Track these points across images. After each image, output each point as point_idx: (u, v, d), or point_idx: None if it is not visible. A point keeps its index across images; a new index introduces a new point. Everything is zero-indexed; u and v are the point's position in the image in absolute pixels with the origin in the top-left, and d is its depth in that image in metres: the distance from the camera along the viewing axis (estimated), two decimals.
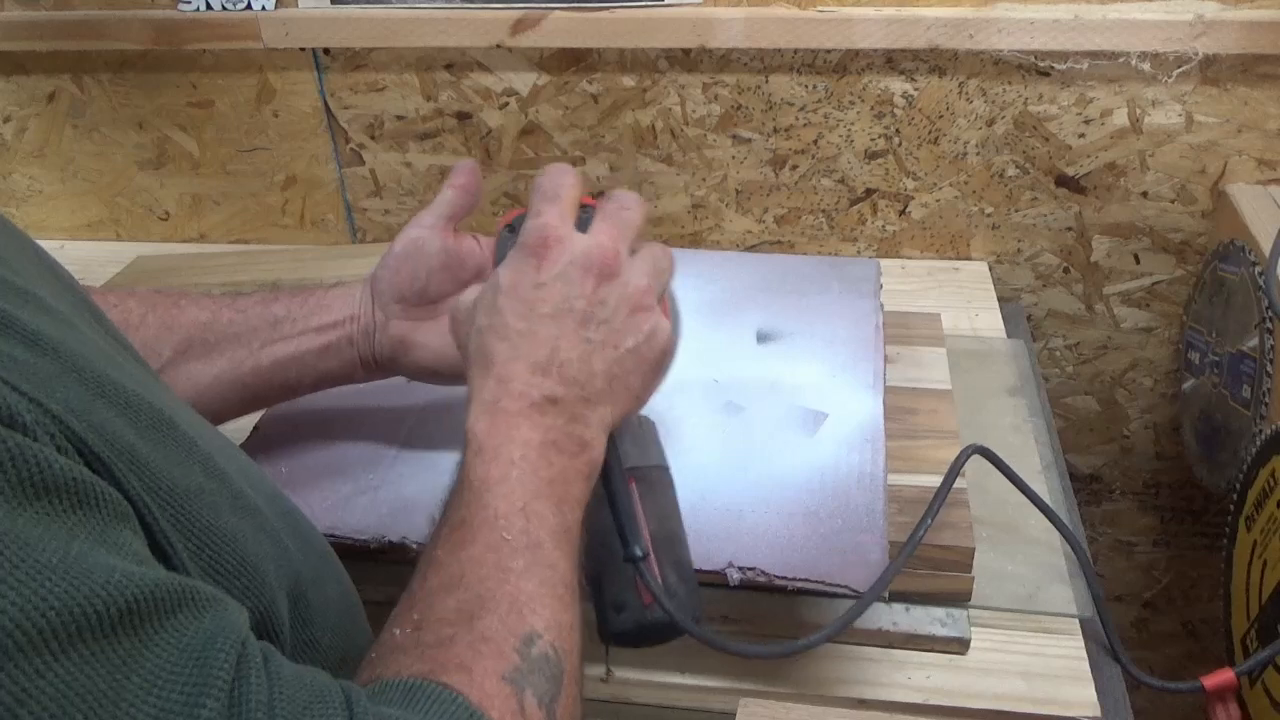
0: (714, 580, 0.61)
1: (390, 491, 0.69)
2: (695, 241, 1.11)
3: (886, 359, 0.81)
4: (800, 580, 0.61)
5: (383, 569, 0.65)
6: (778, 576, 0.61)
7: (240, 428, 0.76)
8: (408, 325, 0.66)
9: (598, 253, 0.52)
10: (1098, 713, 0.62)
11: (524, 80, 1.04)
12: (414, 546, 0.64)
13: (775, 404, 0.75)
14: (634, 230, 0.55)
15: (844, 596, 0.61)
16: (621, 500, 0.53)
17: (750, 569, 0.61)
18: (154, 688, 0.30)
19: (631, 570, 0.52)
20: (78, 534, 0.30)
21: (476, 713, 0.38)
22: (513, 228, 0.56)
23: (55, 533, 0.30)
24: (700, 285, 0.88)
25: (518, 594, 0.43)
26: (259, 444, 0.74)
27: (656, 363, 0.54)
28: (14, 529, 0.28)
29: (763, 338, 0.82)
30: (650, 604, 0.52)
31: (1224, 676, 0.67)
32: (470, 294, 0.55)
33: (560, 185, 0.55)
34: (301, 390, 0.68)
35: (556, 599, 0.45)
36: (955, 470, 0.68)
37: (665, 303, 0.57)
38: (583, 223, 0.54)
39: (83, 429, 0.33)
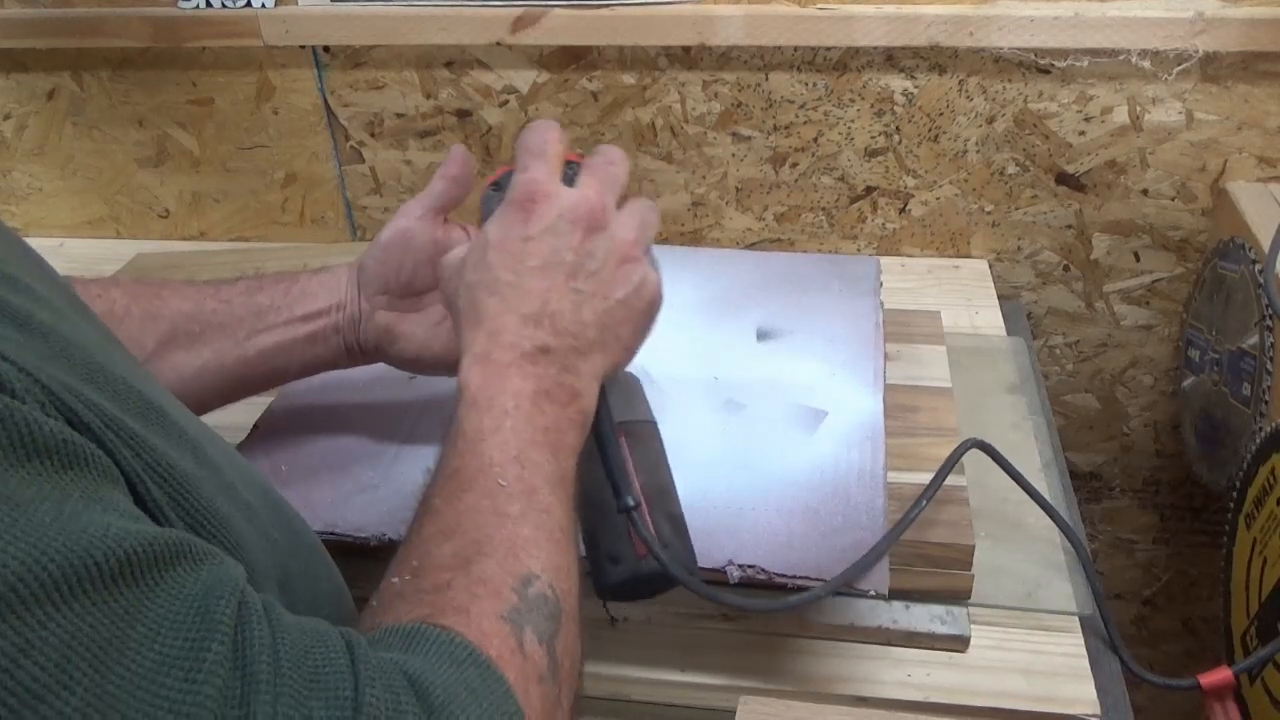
0: (715, 579, 0.61)
1: (390, 489, 0.69)
2: (695, 239, 1.11)
3: (886, 356, 0.81)
4: (800, 578, 0.61)
5: (382, 566, 0.65)
6: (778, 574, 0.61)
7: (239, 425, 0.76)
8: (393, 316, 0.66)
9: (585, 206, 0.53)
10: (1097, 710, 0.62)
11: (524, 78, 1.04)
12: None
13: (775, 402, 0.75)
14: (619, 184, 0.56)
15: (852, 593, 0.61)
16: (612, 452, 0.54)
17: (750, 566, 0.61)
18: (158, 635, 0.30)
19: (624, 522, 0.52)
20: (71, 493, 0.30)
21: (475, 651, 0.39)
22: (499, 185, 0.57)
23: (48, 493, 0.30)
24: (700, 283, 0.88)
25: (514, 538, 0.44)
26: (259, 442, 0.74)
27: (645, 313, 0.55)
28: (5, 489, 0.29)
29: (763, 335, 0.82)
30: (645, 555, 0.52)
31: (1221, 675, 0.67)
32: (459, 252, 0.55)
33: (545, 141, 0.55)
34: (288, 377, 0.68)
35: (553, 542, 0.45)
36: (954, 459, 0.68)
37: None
38: (569, 179, 0.55)
39: (72, 401, 0.33)
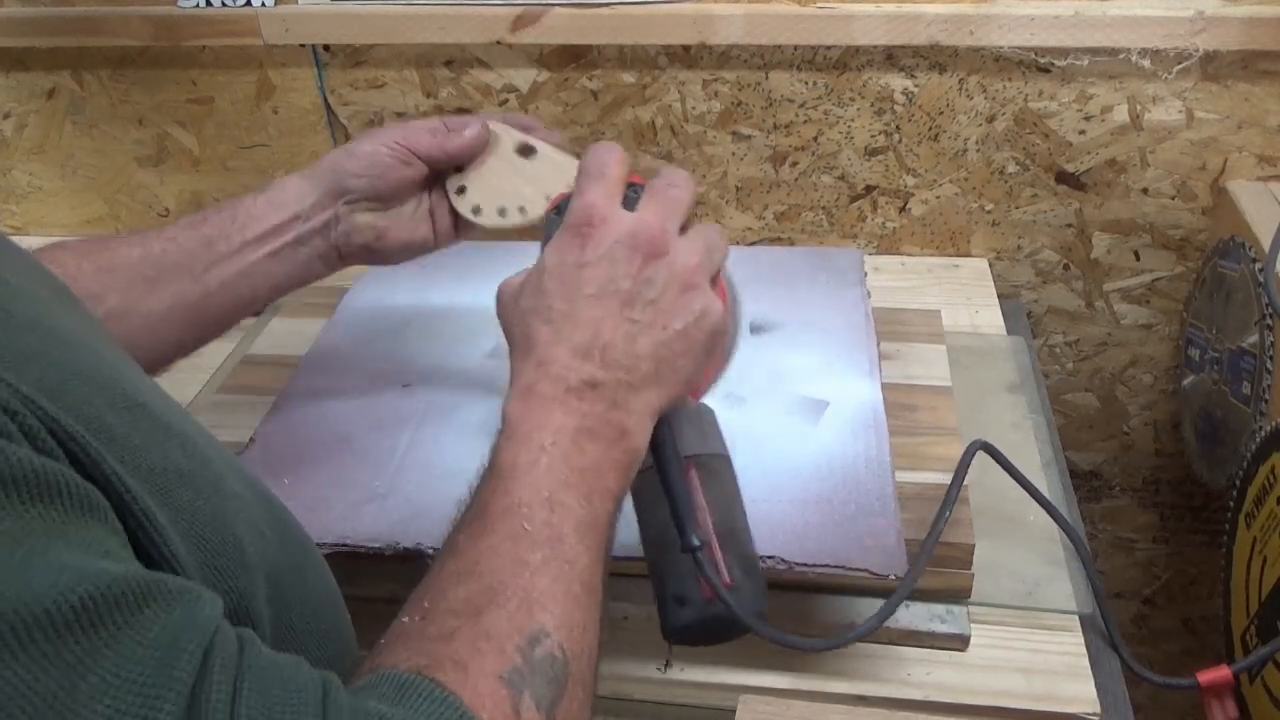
0: None
1: (399, 498, 0.69)
2: None
3: (881, 354, 0.81)
4: (821, 566, 0.61)
5: (380, 565, 0.65)
6: (798, 564, 0.62)
7: (235, 433, 0.76)
8: (375, 215, 0.67)
9: (644, 231, 0.51)
10: (1097, 709, 0.62)
11: (524, 77, 1.04)
12: (429, 552, 0.64)
13: (776, 394, 0.76)
14: (682, 208, 0.53)
15: (868, 587, 0.61)
16: (678, 487, 0.51)
17: (770, 558, 0.62)
18: (109, 690, 0.29)
19: (691, 562, 0.50)
20: (32, 530, 0.29)
21: (466, 713, 0.37)
22: (559, 210, 0.55)
23: (6, 530, 0.29)
24: None
25: (530, 589, 0.42)
26: (256, 455, 0.73)
27: (707, 344, 0.52)
28: None
29: (756, 329, 0.83)
30: (712, 598, 0.49)
31: (1220, 673, 0.67)
32: (516, 279, 0.53)
33: (606, 163, 0.53)
34: (258, 303, 0.67)
35: (571, 597, 0.44)
36: (964, 467, 0.68)
37: (721, 284, 0.55)
38: (630, 202, 0.53)
39: (56, 410, 0.32)
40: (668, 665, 0.66)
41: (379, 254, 0.68)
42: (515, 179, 0.69)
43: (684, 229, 0.53)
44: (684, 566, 0.50)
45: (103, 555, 0.31)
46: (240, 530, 0.40)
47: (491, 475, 0.46)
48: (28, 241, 0.50)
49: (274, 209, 0.66)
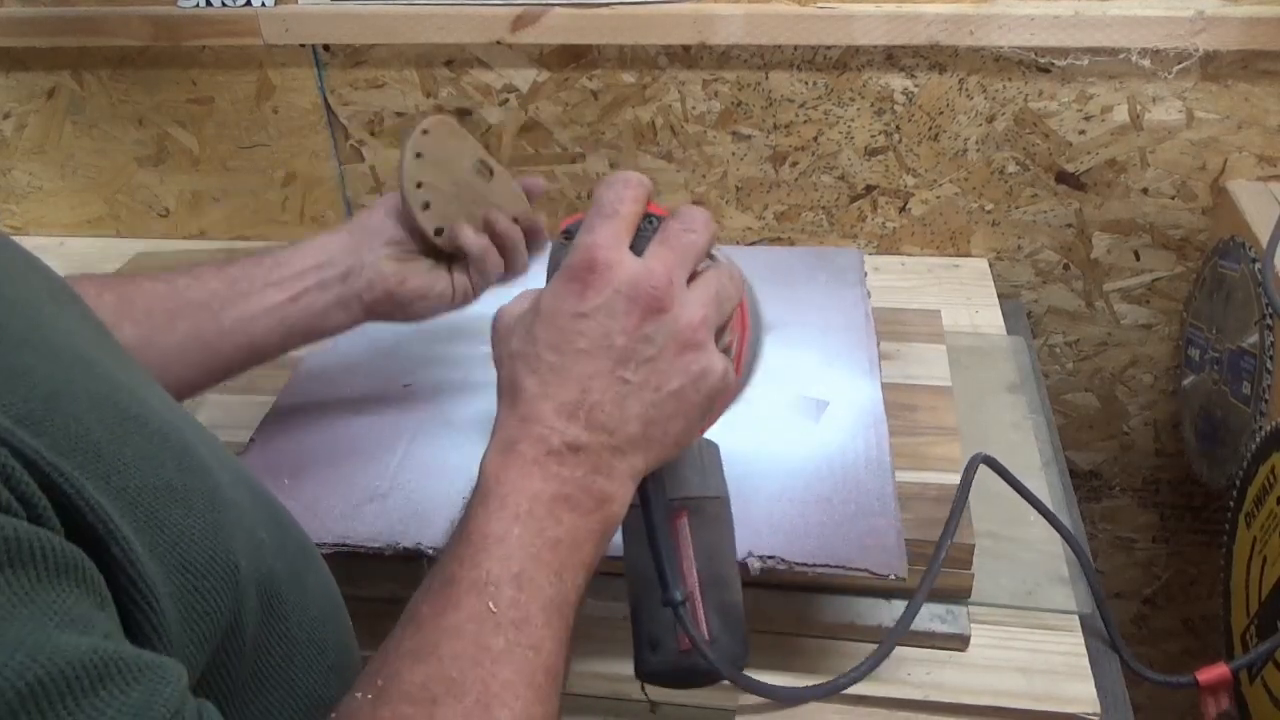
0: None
1: (400, 497, 0.68)
2: None
3: (881, 354, 0.81)
4: (821, 566, 0.61)
5: (380, 565, 0.65)
6: (798, 564, 0.62)
7: (236, 433, 0.76)
8: (399, 263, 0.68)
9: (647, 282, 0.47)
10: (1097, 709, 0.62)
11: (524, 77, 1.04)
12: (429, 552, 0.64)
13: (776, 394, 0.75)
14: (695, 255, 0.49)
15: (868, 586, 0.61)
16: (663, 539, 0.50)
17: (770, 557, 0.62)
18: None
19: (670, 613, 0.49)
20: None
21: None
22: (569, 234, 0.51)
23: None
24: None
25: (490, 681, 0.41)
26: (257, 454, 0.73)
27: (703, 406, 0.49)
28: None
29: None
30: (688, 649, 0.49)
31: (1218, 671, 0.67)
32: (513, 308, 0.51)
33: (620, 199, 0.49)
34: (270, 349, 0.66)
35: (533, 689, 0.42)
36: (966, 483, 0.69)
37: (744, 310, 0.52)
38: (643, 237, 0.49)
39: (37, 442, 0.32)
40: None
41: (400, 302, 0.69)
42: (474, 202, 0.70)
43: (698, 273, 0.50)
44: (662, 613, 0.49)
45: (70, 624, 0.30)
46: (235, 544, 0.39)
47: (462, 543, 0.45)
48: (29, 242, 0.50)
49: (301, 255, 0.66)
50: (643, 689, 0.63)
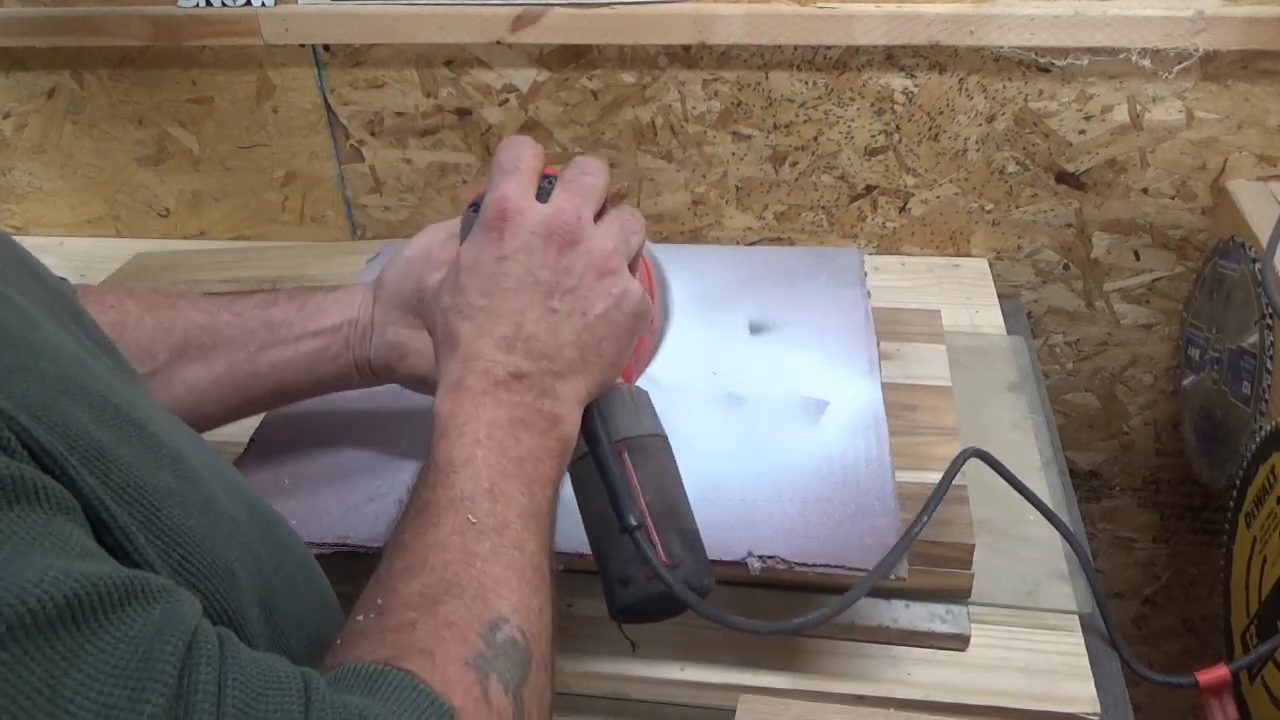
0: (735, 574, 0.62)
1: (399, 498, 0.68)
2: (695, 238, 1.11)
3: (881, 354, 0.81)
4: (821, 566, 0.61)
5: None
6: (798, 564, 0.62)
7: (237, 433, 0.76)
8: (406, 333, 0.62)
9: (558, 220, 0.52)
10: (1097, 709, 0.62)
11: (524, 77, 1.04)
12: None
13: (776, 394, 0.75)
14: (596, 195, 0.54)
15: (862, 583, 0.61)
16: (611, 470, 0.52)
17: (770, 557, 0.62)
18: (95, 683, 0.29)
19: (632, 543, 0.50)
20: (15, 531, 0.30)
21: (438, 700, 0.37)
22: (476, 206, 0.55)
23: None
24: (689, 279, 0.89)
25: (483, 578, 0.43)
26: (257, 455, 0.73)
27: (630, 326, 0.53)
28: None
29: (756, 329, 0.83)
30: (654, 577, 0.50)
31: (1218, 672, 0.67)
32: (437, 276, 0.54)
33: (518, 157, 0.54)
34: (298, 396, 0.66)
35: (524, 582, 0.44)
36: (953, 473, 0.68)
37: (646, 263, 0.56)
38: (545, 193, 0.54)
39: (34, 425, 0.33)
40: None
41: (401, 373, 0.63)
42: None
43: (601, 214, 0.54)
44: (625, 548, 0.51)
45: (82, 555, 0.32)
46: (232, 555, 0.40)
47: (431, 471, 0.47)
48: (29, 242, 0.50)
49: (338, 308, 0.64)
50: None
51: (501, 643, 0.41)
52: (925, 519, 0.64)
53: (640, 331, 0.54)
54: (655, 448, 0.54)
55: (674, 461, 0.55)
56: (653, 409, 0.56)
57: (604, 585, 0.52)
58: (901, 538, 0.63)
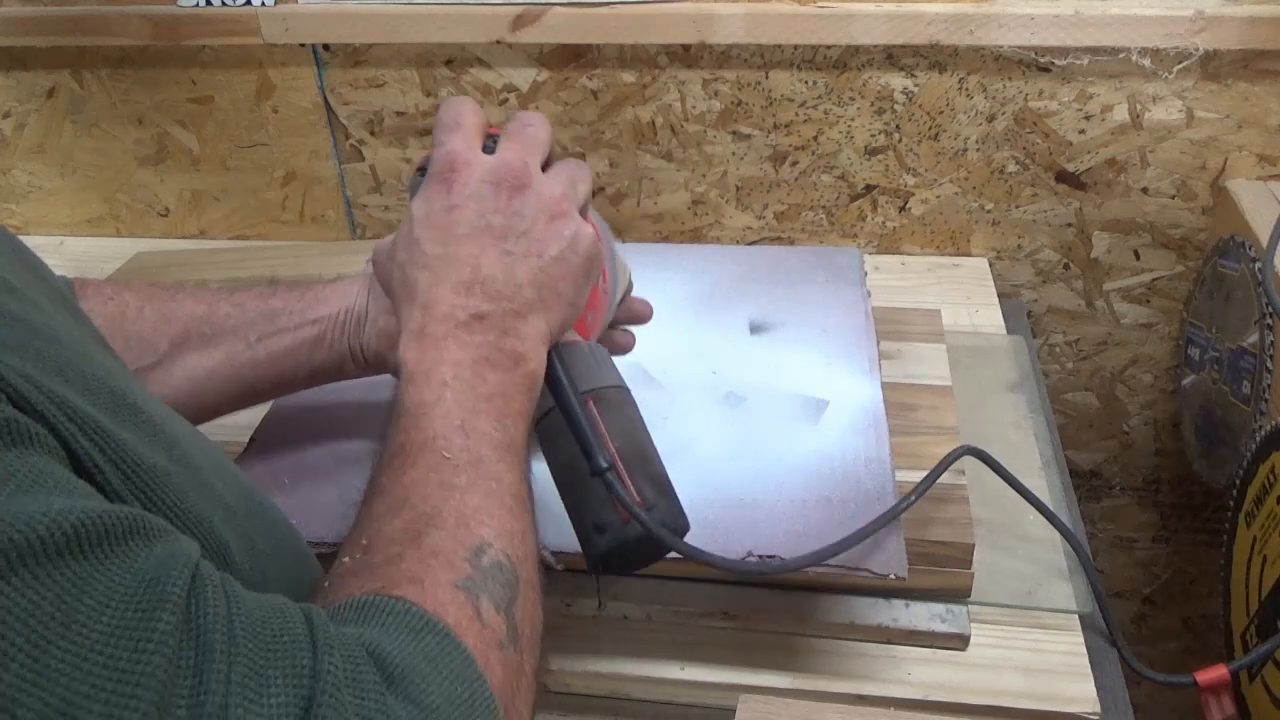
0: (725, 577, 0.62)
1: None
2: (695, 237, 1.11)
3: (880, 352, 0.81)
4: (821, 566, 0.61)
5: None
6: (798, 564, 0.61)
7: (237, 432, 0.76)
8: (396, 321, 0.64)
9: (506, 168, 0.53)
10: (1097, 709, 0.62)
11: (524, 76, 1.04)
12: None
13: (776, 394, 0.76)
14: (541, 145, 0.55)
15: (868, 586, 0.61)
16: (577, 416, 0.52)
17: (770, 557, 0.62)
18: (106, 608, 0.29)
19: (605, 489, 0.50)
20: (16, 470, 0.30)
21: (431, 620, 0.38)
22: (423, 170, 0.56)
23: None
24: (688, 279, 0.89)
25: (464, 508, 0.43)
26: (258, 453, 0.73)
27: (584, 267, 0.54)
28: None
29: (755, 329, 0.83)
30: (629, 520, 0.50)
31: (1217, 672, 0.67)
32: (389, 238, 0.55)
33: (460, 114, 0.55)
34: (297, 385, 0.67)
35: (504, 509, 0.45)
36: (942, 468, 0.68)
37: (591, 220, 0.57)
38: (489, 150, 0.55)
39: (29, 390, 0.33)
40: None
41: (391, 367, 0.64)
42: None
43: (548, 166, 0.55)
44: (598, 495, 0.51)
45: (84, 495, 0.32)
46: (228, 539, 0.40)
47: (402, 416, 0.47)
48: (29, 242, 0.50)
49: (336, 297, 0.65)
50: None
51: (488, 566, 0.42)
52: (903, 505, 0.64)
53: (595, 274, 0.55)
54: (620, 399, 0.55)
55: (639, 412, 0.55)
56: (613, 364, 0.57)
57: (579, 536, 0.52)
58: (887, 510, 0.63)
